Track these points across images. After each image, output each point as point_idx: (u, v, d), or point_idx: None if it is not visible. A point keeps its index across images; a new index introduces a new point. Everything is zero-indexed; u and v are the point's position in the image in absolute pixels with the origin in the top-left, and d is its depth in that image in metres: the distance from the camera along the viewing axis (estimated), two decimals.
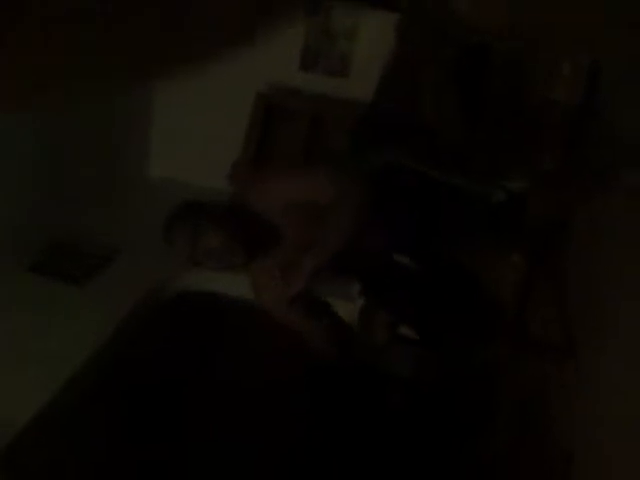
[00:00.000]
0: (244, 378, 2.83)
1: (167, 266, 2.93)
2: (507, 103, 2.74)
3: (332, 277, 2.18)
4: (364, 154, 2.45)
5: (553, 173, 2.59)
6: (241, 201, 2.02)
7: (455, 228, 2.18)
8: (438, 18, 2.88)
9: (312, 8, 3.57)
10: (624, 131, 2.51)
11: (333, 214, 1.96)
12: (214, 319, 2.89)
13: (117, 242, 3.11)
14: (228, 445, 2.52)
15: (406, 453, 2.77)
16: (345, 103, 3.55)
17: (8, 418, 2.13)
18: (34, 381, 2.33)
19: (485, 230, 2.20)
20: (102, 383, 2.42)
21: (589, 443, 2.17)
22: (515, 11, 2.61)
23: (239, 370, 2.88)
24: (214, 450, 2.44)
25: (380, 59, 3.34)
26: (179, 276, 3.11)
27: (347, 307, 2.82)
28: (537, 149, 2.59)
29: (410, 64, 2.94)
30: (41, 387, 2.32)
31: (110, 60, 0.99)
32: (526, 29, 2.63)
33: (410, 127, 2.65)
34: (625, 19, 2.45)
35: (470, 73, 2.77)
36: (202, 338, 2.87)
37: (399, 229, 2.15)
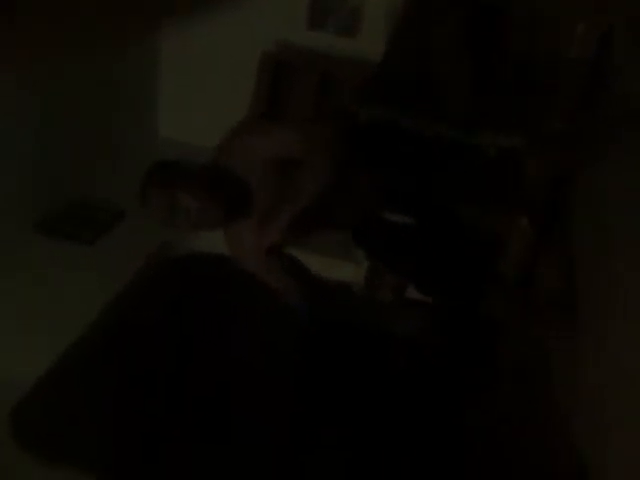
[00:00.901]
0: (251, 338, 2.85)
1: None
2: (518, 60, 2.68)
3: (326, 233, 2.18)
4: (365, 109, 2.42)
5: (557, 133, 2.54)
6: (218, 160, 1.99)
7: (449, 183, 2.16)
8: None
9: None
10: (632, 96, 2.46)
11: (305, 167, 1.94)
12: (222, 280, 2.89)
13: (126, 202, 3.10)
14: (232, 407, 2.55)
15: (409, 413, 2.78)
16: (355, 62, 3.50)
17: (17, 378, 2.16)
18: (42, 341, 2.36)
19: (479, 186, 2.17)
20: (109, 342, 2.44)
21: (591, 403, 2.18)
22: None
23: (245, 331, 2.90)
24: (217, 410, 2.47)
25: (390, 17, 3.28)
26: (187, 236, 3.12)
27: (352, 269, 2.83)
28: (545, 108, 2.54)
29: (421, 22, 2.88)
30: (49, 347, 2.34)
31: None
32: None
33: (417, 86, 2.61)
34: None
35: (482, 32, 2.71)
36: (209, 299, 2.88)
37: (393, 184, 2.14)
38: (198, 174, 1.92)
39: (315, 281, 2.28)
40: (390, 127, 2.25)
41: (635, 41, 2.59)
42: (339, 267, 2.94)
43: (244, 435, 2.40)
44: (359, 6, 3.53)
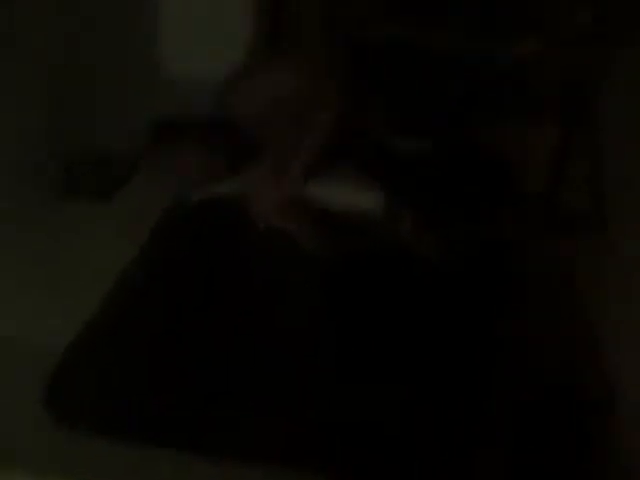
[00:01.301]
0: (272, 281, 2.82)
1: None
2: None
3: (342, 166, 2.11)
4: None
5: (580, 27, 2.33)
6: (222, 107, 1.92)
7: (463, 101, 2.03)
8: None
9: None
10: None
11: (312, 104, 1.85)
12: (240, 225, 2.85)
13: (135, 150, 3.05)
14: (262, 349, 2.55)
15: (438, 330, 2.75)
16: None
17: (47, 344, 2.20)
18: (68, 304, 2.38)
19: (493, 100, 2.03)
20: (135, 301, 2.47)
21: (618, 323, 2.12)
22: None
23: (267, 274, 2.85)
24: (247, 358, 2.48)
25: None
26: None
27: (373, 196, 2.74)
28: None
29: None
30: (75, 310, 2.36)
31: None
32: None
33: None
34: None
35: None
36: (228, 246, 2.86)
37: (403, 107, 2.04)
38: (200, 130, 1.88)
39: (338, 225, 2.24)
40: (397, 43, 2.11)
41: None
42: (359, 195, 2.86)
43: (274, 369, 2.41)
44: None
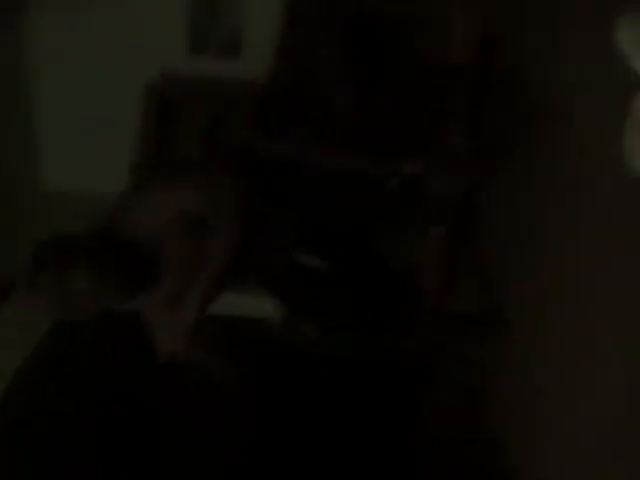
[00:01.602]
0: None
1: None
2: (405, 71, 2.63)
3: (232, 285, 2.07)
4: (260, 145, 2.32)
5: (456, 148, 2.52)
6: (112, 228, 1.83)
7: (357, 216, 2.08)
8: None
9: None
10: (528, 86, 2.44)
11: (213, 227, 1.81)
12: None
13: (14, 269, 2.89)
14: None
15: (343, 434, 2.74)
16: (242, 83, 3.38)
17: None
18: None
19: (385, 214, 2.10)
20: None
21: (519, 422, 2.16)
22: None
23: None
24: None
25: (272, 33, 3.18)
26: None
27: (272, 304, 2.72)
28: (440, 120, 2.50)
29: (300, 38, 2.79)
30: None
31: None
32: None
33: (306, 109, 2.52)
34: None
35: (362, 45, 2.64)
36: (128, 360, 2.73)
37: (299, 224, 2.05)
38: (93, 248, 1.75)
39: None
40: (287, 163, 2.14)
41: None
42: (260, 303, 2.83)
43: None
44: (238, 26, 3.41)
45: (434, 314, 2.38)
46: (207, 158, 2.50)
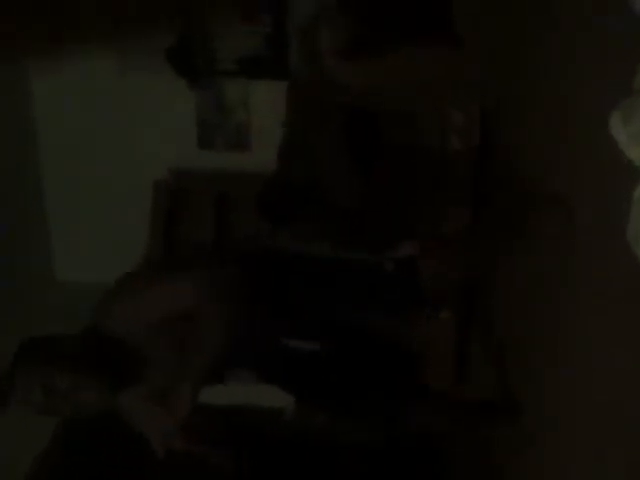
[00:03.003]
0: None
1: None
2: (404, 162, 2.71)
3: (228, 376, 2.07)
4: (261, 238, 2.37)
5: (453, 230, 2.56)
6: (98, 325, 1.83)
7: (353, 302, 2.10)
8: (323, 83, 2.84)
9: (199, 82, 3.50)
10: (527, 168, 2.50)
11: (200, 324, 1.81)
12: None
13: None
14: None
15: None
16: (250, 176, 3.47)
17: None
18: None
19: (381, 297, 2.12)
20: None
21: None
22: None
23: None
24: None
25: (277, 128, 3.29)
26: None
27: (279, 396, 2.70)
28: (442, 206, 2.56)
29: (303, 133, 2.89)
30: None
31: None
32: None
33: (306, 200, 2.58)
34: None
35: (361, 138, 2.74)
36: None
37: (294, 312, 2.06)
38: (72, 347, 1.76)
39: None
40: (283, 252, 2.18)
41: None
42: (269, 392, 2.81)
43: None
44: (244, 121, 3.53)
45: (442, 402, 2.35)
46: (206, 251, 2.54)
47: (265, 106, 3.44)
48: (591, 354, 1.92)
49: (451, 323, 2.74)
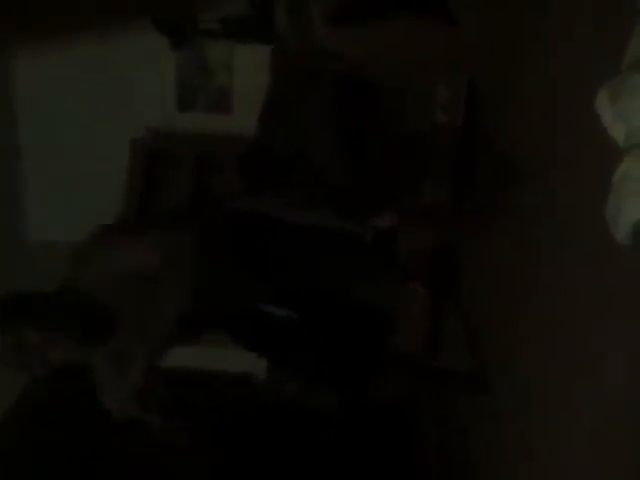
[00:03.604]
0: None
1: None
2: (390, 134, 2.68)
3: (200, 335, 2.06)
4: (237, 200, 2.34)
5: (434, 204, 2.55)
6: (70, 282, 1.83)
7: (330, 270, 2.08)
8: (311, 50, 2.79)
9: (182, 42, 3.42)
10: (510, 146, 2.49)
11: (165, 283, 1.82)
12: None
13: None
14: None
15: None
16: (230, 139, 3.42)
17: None
18: None
19: (360, 266, 2.11)
20: None
21: (504, 470, 2.13)
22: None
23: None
24: None
25: (260, 92, 3.23)
26: None
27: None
28: (422, 180, 2.54)
29: (287, 98, 2.84)
30: None
31: None
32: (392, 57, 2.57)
33: (290, 165, 2.55)
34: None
35: (349, 107, 2.70)
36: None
37: (270, 278, 2.05)
38: (44, 304, 1.76)
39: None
40: (263, 216, 2.16)
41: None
42: (240, 358, 2.80)
43: None
44: (227, 83, 3.47)
45: (414, 370, 2.36)
46: (179, 212, 2.52)
47: (249, 69, 3.38)
48: (572, 335, 1.93)
49: (426, 295, 2.74)
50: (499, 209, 2.43)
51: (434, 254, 2.64)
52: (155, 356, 1.90)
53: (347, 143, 2.61)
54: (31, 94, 3.48)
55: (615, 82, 1.72)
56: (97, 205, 3.29)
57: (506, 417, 2.19)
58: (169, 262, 1.82)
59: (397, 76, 2.66)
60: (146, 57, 3.39)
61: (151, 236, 1.87)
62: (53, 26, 3.32)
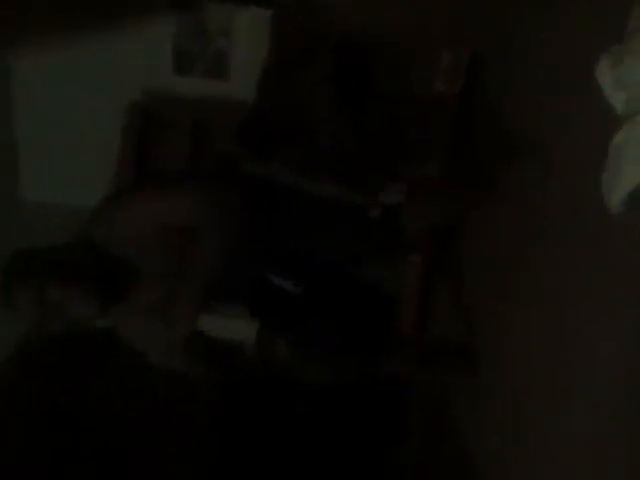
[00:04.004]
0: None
1: None
2: (389, 101, 2.64)
3: (213, 304, 2.04)
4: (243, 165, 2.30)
5: (436, 179, 2.52)
6: (90, 236, 1.80)
7: (335, 242, 2.06)
8: (311, 14, 2.74)
9: (181, 3, 3.36)
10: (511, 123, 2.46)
11: (202, 238, 1.79)
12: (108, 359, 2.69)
13: None
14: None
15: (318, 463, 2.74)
16: (228, 106, 3.38)
17: None
18: None
19: (365, 242, 2.08)
20: None
21: (492, 449, 2.13)
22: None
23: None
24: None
25: (259, 58, 3.19)
26: None
27: (244, 325, 2.68)
28: (422, 151, 2.51)
29: (286, 64, 2.80)
30: None
31: None
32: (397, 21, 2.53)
33: (290, 133, 2.51)
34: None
35: (348, 73, 2.66)
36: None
37: (275, 247, 2.02)
38: (65, 258, 1.72)
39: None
40: (266, 184, 2.12)
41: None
42: (233, 325, 2.79)
43: None
44: (225, 48, 3.42)
45: (406, 342, 2.35)
46: (192, 173, 2.48)
47: (247, 34, 3.33)
48: (564, 312, 1.92)
49: (419, 268, 2.72)
50: (497, 183, 2.40)
51: (433, 228, 2.61)
52: (199, 307, 1.87)
53: (347, 109, 2.57)
54: (27, 59, 3.43)
55: (617, 49, 1.70)
56: (95, 167, 3.30)
57: (492, 400, 2.19)
58: (205, 220, 1.78)
59: (399, 39, 2.62)
60: (143, 18, 3.33)
61: (185, 191, 1.83)
62: None
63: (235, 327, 2.50)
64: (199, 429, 2.76)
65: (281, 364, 2.55)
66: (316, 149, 2.45)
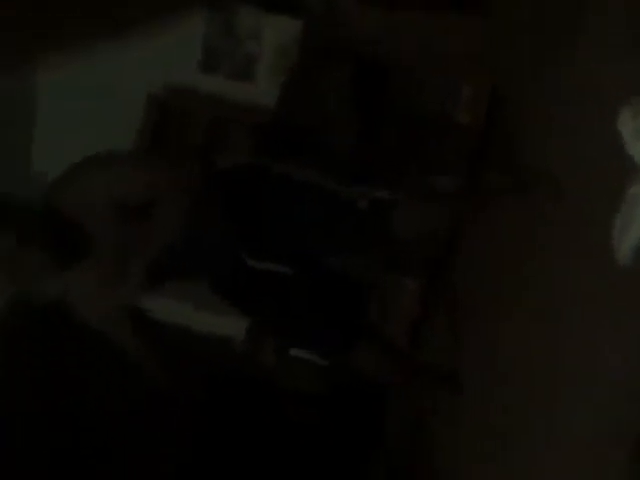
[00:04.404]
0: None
1: None
2: (407, 119, 2.66)
3: (181, 282, 2.05)
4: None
5: (431, 191, 2.51)
6: (51, 201, 1.83)
7: (317, 232, 2.06)
8: (339, 30, 2.76)
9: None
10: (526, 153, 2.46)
11: (155, 211, 1.83)
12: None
13: None
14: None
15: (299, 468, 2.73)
16: (248, 108, 3.39)
17: None
18: None
19: (350, 236, 2.08)
20: None
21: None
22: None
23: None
24: None
25: (286, 65, 3.21)
26: None
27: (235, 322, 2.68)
28: (426, 166, 2.51)
29: (309, 75, 2.82)
30: None
31: None
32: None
33: (305, 143, 2.53)
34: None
35: (369, 88, 2.68)
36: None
37: (257, 231, 2.02)
38: (28, 221, 1.76)
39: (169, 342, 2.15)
40: (260, 172, 2.14)
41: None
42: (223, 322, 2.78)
43: None
44: (255, 52, 3.44)
45: (398, 359, 2.33)
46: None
47: (278, 41, 3.35)
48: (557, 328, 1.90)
49: (416, 291, 2.72)
50: (506, 207, 2.39)
51: (429, 246, 2.60)
52: (148, 281, 1.89)
53: (361, 121, 2.59)
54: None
55: (639, 100, 1.70)
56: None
57: (475, 415, 2.18)
58: (166, 198, 1.81)
59: (416, 62, 2.64)
60: (175, 14, 3.35)
61: (151, 170, 1.86)
62: None
63: (224, 324, 2.51)
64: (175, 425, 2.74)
65: (267, 369, 2.55)
66: (327, 153, 2.47)
